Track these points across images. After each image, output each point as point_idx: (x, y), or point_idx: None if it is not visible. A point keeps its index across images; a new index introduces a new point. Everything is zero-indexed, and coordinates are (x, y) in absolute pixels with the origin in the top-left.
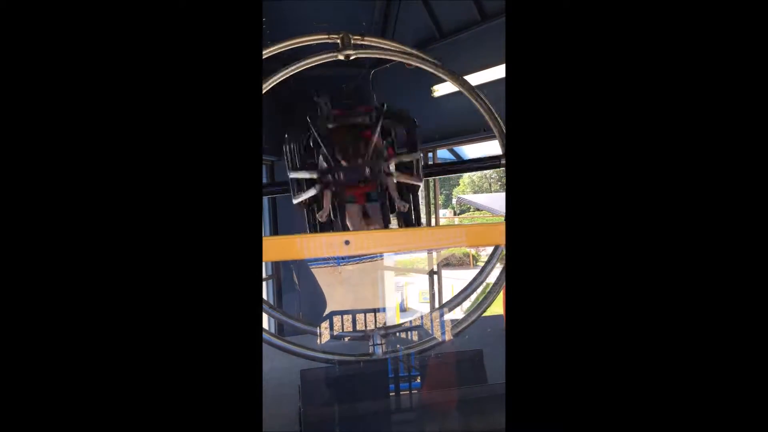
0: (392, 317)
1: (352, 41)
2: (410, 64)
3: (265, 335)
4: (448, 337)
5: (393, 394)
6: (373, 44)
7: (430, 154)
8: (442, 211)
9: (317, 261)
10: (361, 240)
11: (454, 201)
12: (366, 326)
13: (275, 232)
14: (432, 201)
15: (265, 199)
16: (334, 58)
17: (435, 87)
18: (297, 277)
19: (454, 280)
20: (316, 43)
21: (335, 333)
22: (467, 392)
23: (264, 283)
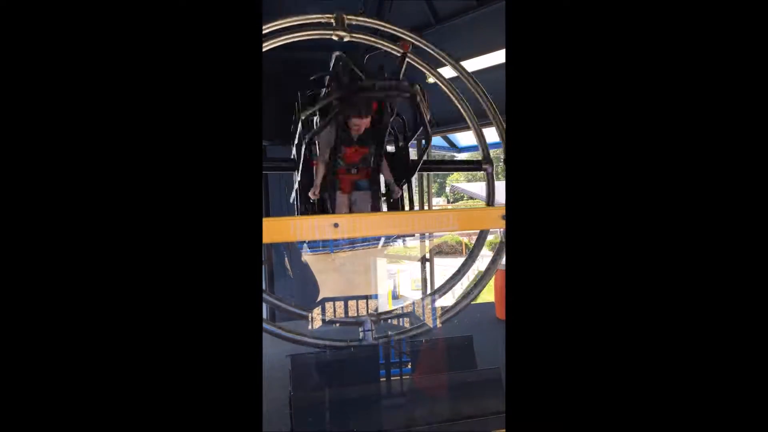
0: (384, 304)
1: (346, 22)
2: (407, 47)
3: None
4: (438, 324)
5: (384, 379)
6: (368, 24)
7: (424, 142)
8: (435, 200)
9: (311, 247)
10: (351, 223)
11: (447, 189)
12: (358, 312)
13: (267, 214)
14: (426, 189)
15: None
16: (328, 35)
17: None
18: (289, 263)
19: (446, 268)
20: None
21: (327, 319)
22: (457, 377)
23: None
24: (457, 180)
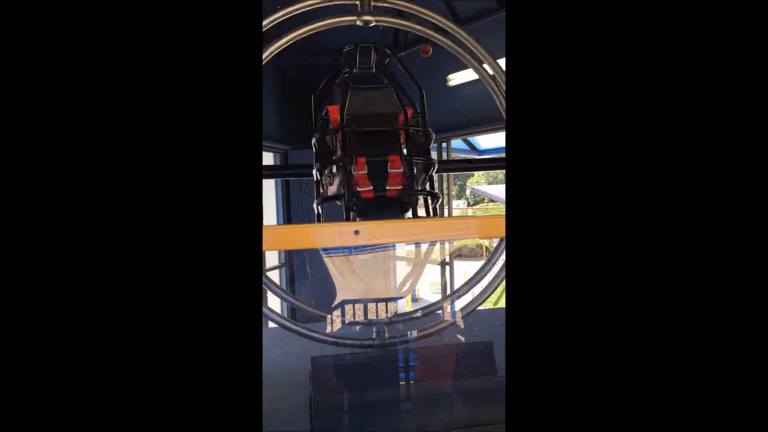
0: (404, 306)
1: (372, 4)
2: (428, 51)
3: (278, 319)
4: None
5: (403, 382)
6: (396, 5)
7: (444, 144)
8: (455, 202)
9: (329, 250)
10: (372, 230)
11: (467, 192)
12: (377, 315)
13: (288, 220)
14: (445, 192)
15: (279, 186)
16: (351, 23)
17: (450, 75)
18: (309, 266)
19: (466, 271)
20: (333, 5)
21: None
22: (477, 383)
23: (276, 271)
24: (478, 182)
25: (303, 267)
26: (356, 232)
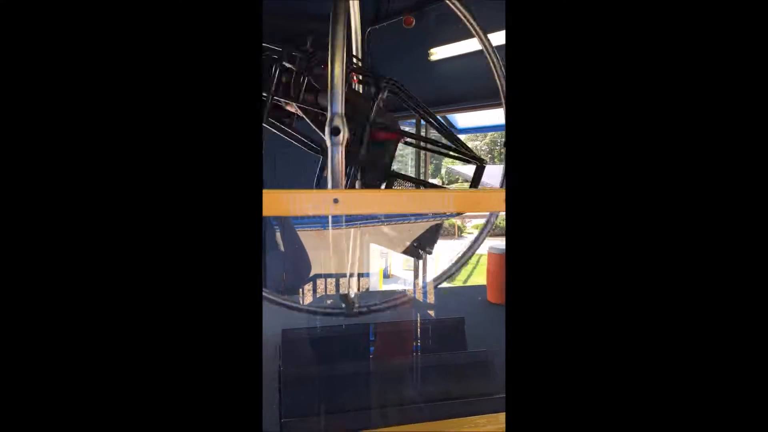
0: (375, 283)
1: None
2: (410, 22)
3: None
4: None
5: (373, 356)
6: None
7: (423, 122)
8: (431, 180)
9: (303, 223)
10: (351, 199)
11: (443, 171)
12: (349, 290)
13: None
14: (422, 170)
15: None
16: None
17: (433, 50)
18: (281, 237)
19: (439, 250)
20: None
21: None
22: (447, 357)
23: None
24: (453, 162)
25: (273, 237)
26: (335, 201)
